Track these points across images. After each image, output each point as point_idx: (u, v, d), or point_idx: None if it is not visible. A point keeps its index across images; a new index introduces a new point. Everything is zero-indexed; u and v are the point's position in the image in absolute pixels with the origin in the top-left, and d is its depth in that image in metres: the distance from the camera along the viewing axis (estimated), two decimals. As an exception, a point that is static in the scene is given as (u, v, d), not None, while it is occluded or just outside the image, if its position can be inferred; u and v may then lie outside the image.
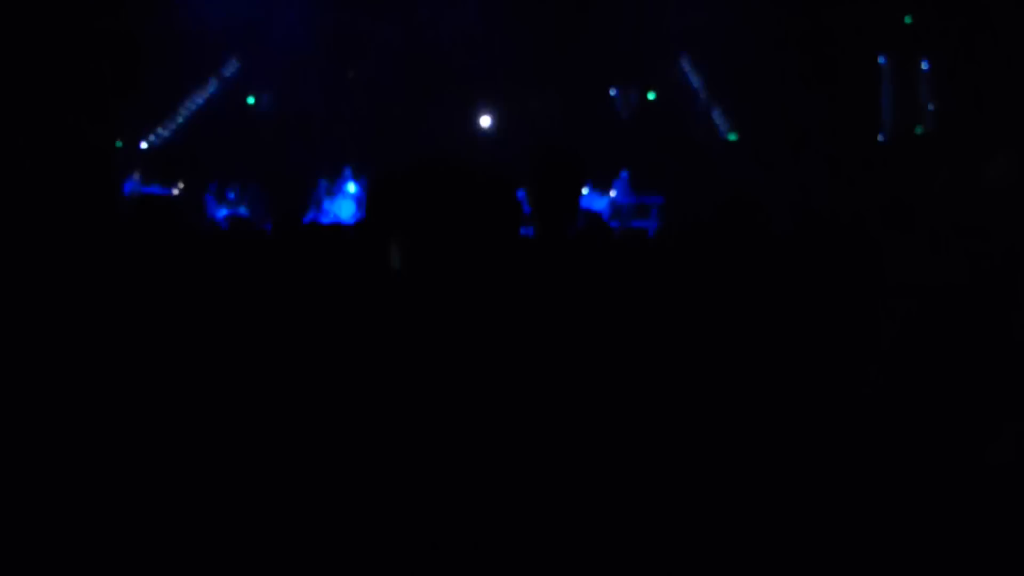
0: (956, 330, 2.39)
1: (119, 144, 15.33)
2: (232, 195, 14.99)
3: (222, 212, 14.28)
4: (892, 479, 2.19)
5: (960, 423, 2.16)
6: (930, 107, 14.22)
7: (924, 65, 14.16)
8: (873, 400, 2.33)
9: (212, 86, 17.47)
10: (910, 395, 2.32)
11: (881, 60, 14.69)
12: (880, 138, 14.66)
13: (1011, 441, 2.04)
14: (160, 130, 16.87)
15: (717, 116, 16.36)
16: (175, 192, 15.06)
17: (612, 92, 17.07)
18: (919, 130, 14.23)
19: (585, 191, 14.76)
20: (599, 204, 14.66)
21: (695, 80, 16.47)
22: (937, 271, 2.60)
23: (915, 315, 2.51)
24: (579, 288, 2.61)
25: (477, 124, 16.42)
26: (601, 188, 14.90)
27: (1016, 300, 2.35)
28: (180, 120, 17.13)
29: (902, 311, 2.57)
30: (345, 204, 14.77)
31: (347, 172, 14.54)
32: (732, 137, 16.17)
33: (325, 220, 13.35)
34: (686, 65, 16.54)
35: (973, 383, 2.21)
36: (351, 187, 14.93)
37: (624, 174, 14.88)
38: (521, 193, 2.80)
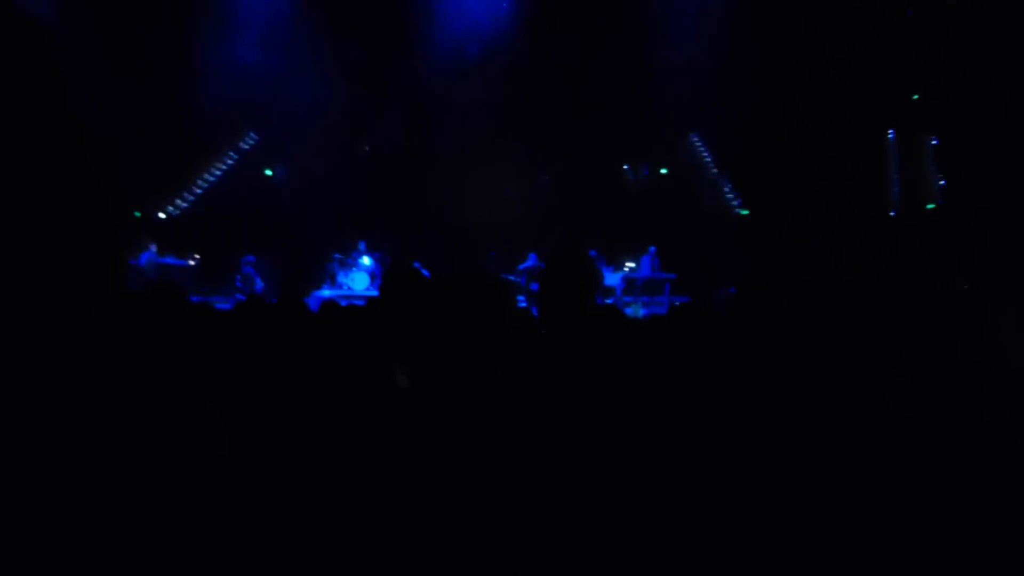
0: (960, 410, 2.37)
1: (137, 214, 15.58)
2: (248, 268, 15.06)
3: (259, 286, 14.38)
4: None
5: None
6: (941, 182, 14.30)
7: (932, 141, 14.29)
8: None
9: (230, 158, 17.78)
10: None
11: (890, 136, 14.82)
12: (892, 213, 14.71)
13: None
14: (178, 201, 17.11)
15: (729, 191, 16.49)
16: (191, 263, 15.18)
17: (624, 167, 17.26)
18: (930, 206, 14.27)
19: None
20: (611, 279, 14.68)
21: (706, 156, 16.66)
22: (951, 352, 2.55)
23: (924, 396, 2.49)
24: (585, 378, 2.57)
25: (490, 198, 16.56)
26: (613, 264, 14.94)
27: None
28: (198, 192, 17.38)
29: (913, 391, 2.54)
30: (359, 277, 14.86)
31: (362, 246, 14.64)
32: (744, 212, 16.27)
33: (339, 293, 13.39)
34: (697, 141, 16.75)
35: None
36: (366, 260, 15.02)
37: (652, 249, 14.87)
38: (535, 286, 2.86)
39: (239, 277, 14.46)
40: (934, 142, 14.27)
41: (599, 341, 3.44)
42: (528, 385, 2.34)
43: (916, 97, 14.26)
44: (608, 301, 13.83)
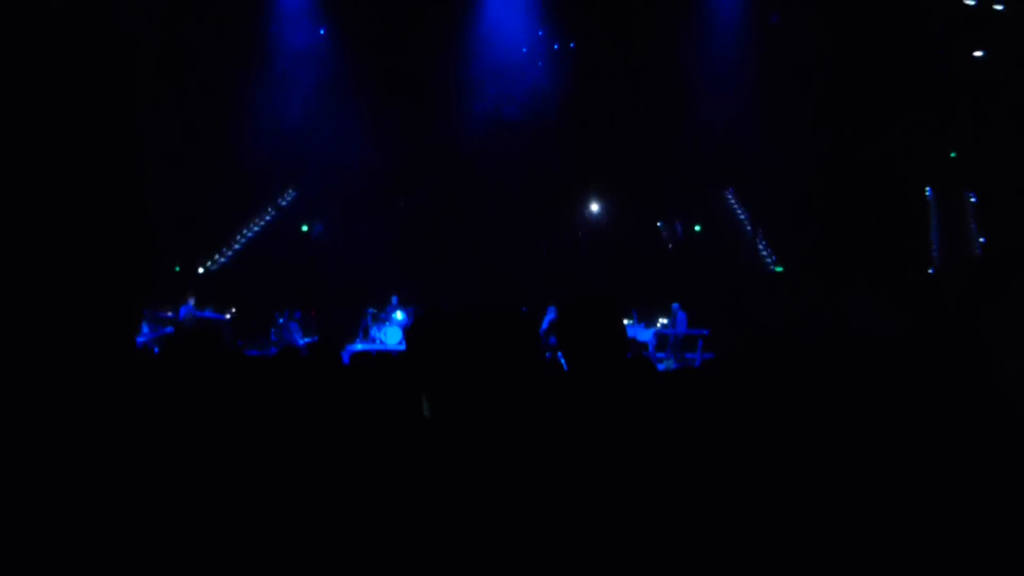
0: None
1: (177, 269, 15.85)
2: (282, 319, 15.24)
3: (300, 339, 14.56)
4: None
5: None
6: (981, 239, 14.14)
7: (972, 198, 14.17)
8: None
9: (269, 214, 18.10)
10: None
11: (928, 193, 14.72)
12: (931, 271, 14.53)
13: None
14: (217, 256, 17.39)
15: (763, 248, 16.41)
16: (227, 317, 15.37)
17: (658, 224, 17.28)
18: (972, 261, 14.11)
19: (630, 321, 14.75)
20: (644, 335, 14.60)
21: (740, 213, 16.63)
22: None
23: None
24: (612, 426, 2.60)
25: (523, 253, 16.63)
26: (646, 320, 14.87)
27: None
28: (236, 247, 17.68)
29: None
30: (391, 331, 14.92)
31: (394, 300, 14.74)
32: (779, 269, 16.16)
33: (372, 347, 13.45)
34: (731, 198, 16.75)
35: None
36: (398, 315, 15.10)
37: (675, 306, 14.79)
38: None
39: (273, 330, 14.62)
40: (973, 199, 14.15)
41: (629, 389, 3.42)
42: (551, 428, 2.28)
43: (953, 155, 14.19)
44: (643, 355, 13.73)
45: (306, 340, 14.46)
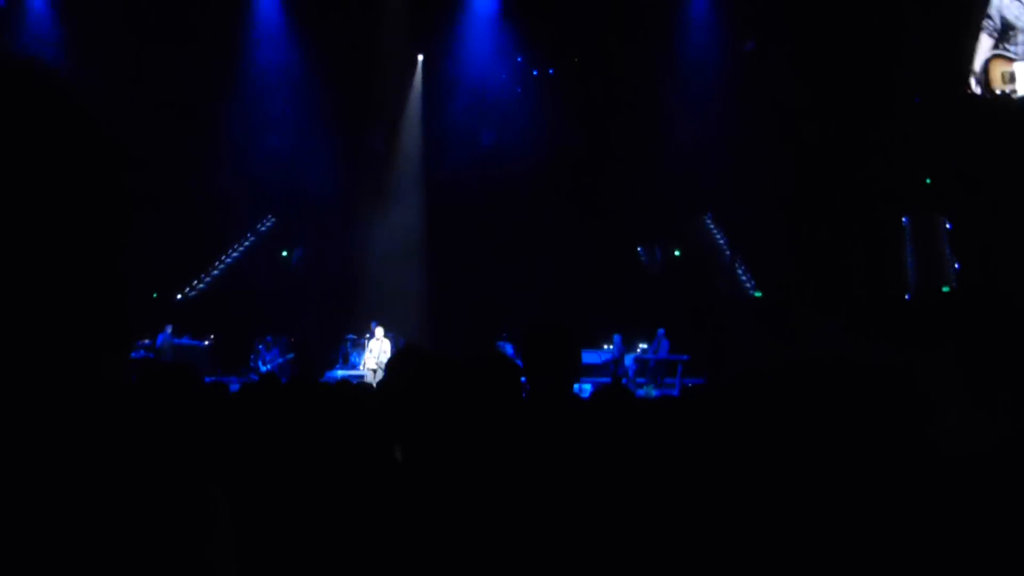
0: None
1: (155, 295, 15.72)
2: (261, 347, 15.12)
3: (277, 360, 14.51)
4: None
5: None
6: (956, 266, 14.28)
7: (947, 225, 14.32)
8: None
9: (248, 240, 18.02)
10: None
11: (904, 221, 14.86)
12: (907, 297, 14.65)
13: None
14: (195, 282, 17.28)
15: (742, 273, 16.51)
16: (206, 344, 15.25)
17: (638, 249, 17.34)
18: (945, 289, 14.22)
19: (609, 347, 14.77)
20: (625, 361, 14.64)
21: (719, 237, 16.73)
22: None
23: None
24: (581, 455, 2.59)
25: (502, 280, 16.62)
26: (626, 346, 14.90)
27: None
28: (215, 273, 17.57)
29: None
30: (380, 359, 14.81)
31: (374, 326, 14.66)
32: (757, 294, 16.25)
33: (351, 374, 13.37)
34: (710, 223, 16.86)
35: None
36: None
37: (660, 332, 14.82)
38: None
39: (253, 356, 14.54)
40: (948, 226, 14.30)
41: (600, 421, 3.41)
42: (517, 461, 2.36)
43: (929, 181, 14.35)
44: (623, 382, 13.75)
45: (272, 364, 14.37)
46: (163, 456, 0.88)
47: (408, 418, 1.99)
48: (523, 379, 2.89)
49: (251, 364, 14.55)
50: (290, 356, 14.88)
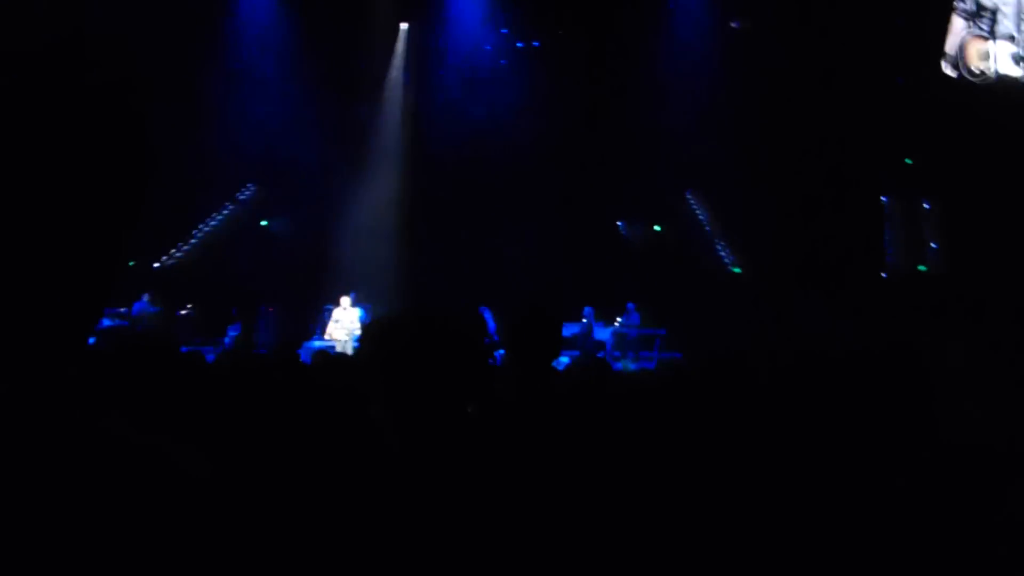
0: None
1: (131, 264, 15.55)
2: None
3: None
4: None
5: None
6: (933, 245, 14.39)
7: (925, 205, 14.42)
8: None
9: (227, 208, 17.83)
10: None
11: (883, 200, 14.95)
12: (883, 275, 14.77)
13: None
14: (173, 251, 17.10)
15: (722, 250, 16.55)
16: (183, 313, 15.13)
17: (619, 224, 17.33)
18: (922, 268, 14.35)
19: (583, 321, 14.79)
20: (602, 335, 14.66)
21: (701, 214, 16.76)
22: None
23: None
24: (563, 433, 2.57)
25: (485, 253, 16.58)
26: (604, 319, 14.93)
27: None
28: (194, 242, 17.40)
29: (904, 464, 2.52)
30: (351, 329, 14.77)
31: (352, 296, 14.59)
32: (737, 271, 16.31)
33: (329, 344, 13.33)
34: (691, 199, 16.87)
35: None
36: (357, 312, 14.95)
37: (630, 305, 14.91)
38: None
39: (231, 328, 14.46)
40: (926, 206, 14.41)
41: (577, 400, 3.41)
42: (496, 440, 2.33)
43: (909, 162, 14.42)
44: (599, 355, 13.79)
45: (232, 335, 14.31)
46: (134, 430, 0.84)
47: (384, 379, 1.94)
48: (498, 352, 2.87)
49: (228, 335, 14.49)
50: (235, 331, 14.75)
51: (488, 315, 14.26)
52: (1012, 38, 12.82)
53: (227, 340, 14.28)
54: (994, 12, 12.91)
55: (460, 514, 1.74)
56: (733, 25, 15.62)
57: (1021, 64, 12.77)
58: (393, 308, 15.04)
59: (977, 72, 12.83)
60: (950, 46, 13.15)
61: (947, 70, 13.13)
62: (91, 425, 0.81)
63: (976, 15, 12.92)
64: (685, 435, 2.98)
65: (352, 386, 3.47)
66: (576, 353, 12.40)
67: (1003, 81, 12.88)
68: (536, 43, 17.42)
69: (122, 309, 13.98)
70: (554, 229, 16.46)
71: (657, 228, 17.03)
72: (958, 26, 13.13)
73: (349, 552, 1.69)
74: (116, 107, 0.89)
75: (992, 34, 12.92)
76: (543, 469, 2.14)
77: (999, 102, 12.69)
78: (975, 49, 12.91)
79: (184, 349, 12.72)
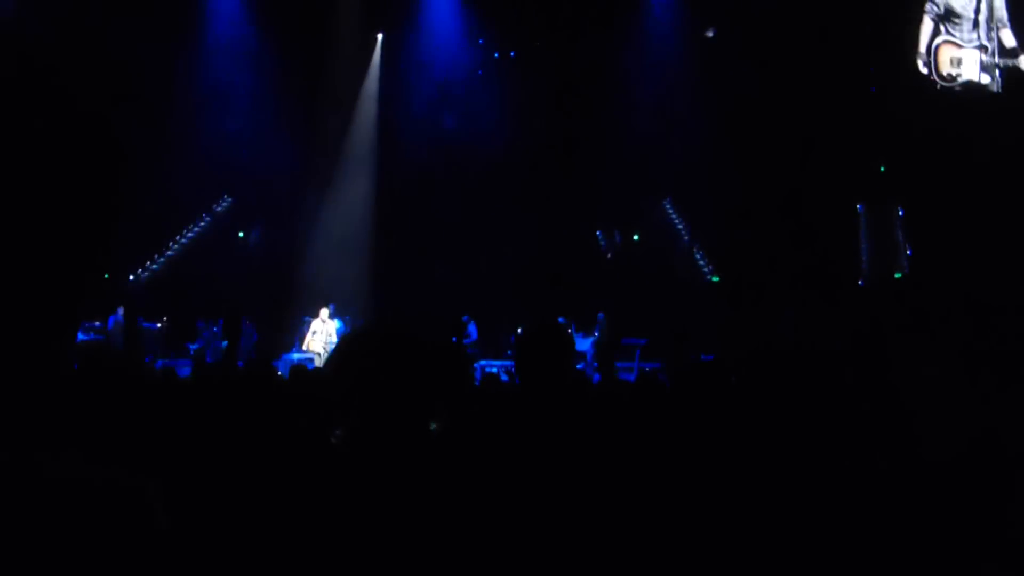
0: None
1: (106, 276, 15.38)
2: (216, 329, 14.91)
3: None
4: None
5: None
6: (908, 251, 14.46)
7: (899, 211, 14.49)
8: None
9: (203, 221, 17.70)
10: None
11: (859, 208, 15.02)
12: (860, 283, 14.83)
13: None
14: (149, 264, 16.95)
15: (700, 258, 16.59)
16: (159, 327, 14.98)
17: (597, 233, 17.33)
18: (898, 275, 14.42)
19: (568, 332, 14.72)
20: (583, 345, 14.61)
21: (679, 223, 16.78)
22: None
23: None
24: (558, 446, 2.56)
25: (461, 263, 16.53)
26: (584, 330, 14.89)
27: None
28: (169, 254, 17.25)
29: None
30: (328, 341, 14.68)
31: (331, 307, 14.52)
32: (715, 279, 16.35)
33: (307, 356, 13.23)
34: (670, 208, 16.90)
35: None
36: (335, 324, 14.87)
37: (601, 316, 14.81)
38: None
39: (200, 341, 14.36)
40: (901, 212, 14.48)
41: (575, 407, 3.41)
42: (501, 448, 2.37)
43: (883, 169, 14.50)
44: (579, 366, 13.75)
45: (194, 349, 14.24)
46: (97, 449, 0.89)
47: (352, 401, 1.91)
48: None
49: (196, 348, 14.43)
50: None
51: (472, 325, 14.30)
52: (983, 48, 12.96)
53: (192, 351, 14.24)
54: (964, 19, 13.05)
55: (422, 530, 1.71)
56: (708, 35, 15.69)
57: (990, 72, 12.91)
58: (368, 320, 15.04)
59: (947, 76, 12.96)
60: (923, 46, 13.28)
61: (921, 68, 13.25)
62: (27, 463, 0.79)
63: (946, 19, 13.06)
64: (667, 445, 3.00)
65: (319, 406, 3.40)
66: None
67: (971, 88, 13.02)
68: (512, 53, 17.43)
69: (97, 323, 13.82)
70: (530, 239, 16.44)
71: (636, 237, 17.05)
72: (929, 28, 13.27)
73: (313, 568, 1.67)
74: (84, 118, 0.90)
75: (962, 41, 13.05)
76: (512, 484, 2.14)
77: (969, 108, 12.82)
78: (945, 55, 13.04)
79: (159, 364, 12.58)
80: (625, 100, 16.03)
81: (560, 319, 14.50)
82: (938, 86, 13.01)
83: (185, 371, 8.21)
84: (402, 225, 16.81)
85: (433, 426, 1.98)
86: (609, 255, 17.02)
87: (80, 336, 12.18)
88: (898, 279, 14.42)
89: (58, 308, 0.83)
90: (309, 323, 14.55)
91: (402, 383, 1.89)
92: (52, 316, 0.83)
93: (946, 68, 12.92)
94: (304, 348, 13.89)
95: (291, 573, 1.68)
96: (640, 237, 17.05)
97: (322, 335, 13.66)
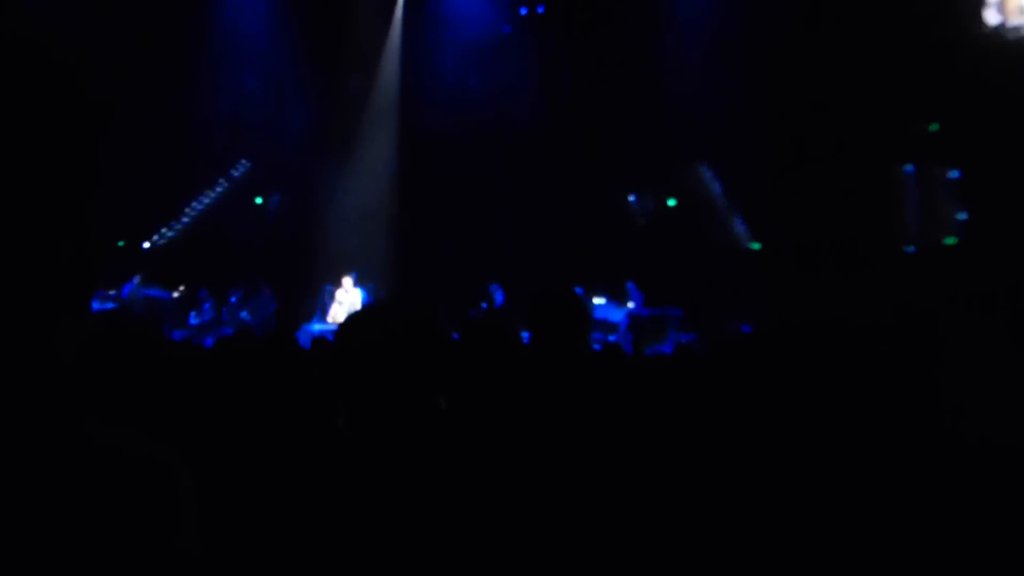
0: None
1: (121, 244, 14.97)
2: (235, 299, 14.53)
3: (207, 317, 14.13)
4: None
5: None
6: (961, 216, 13.77)
7: (954, 174, 13.78)
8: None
9: (220, 186, 17.22)
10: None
11: (908, 169, 14.31)
12: (909, 249, 14.17)
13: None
14: (165, 230, 16.53)
15: (739, 225, 15.88)
16: (175, 295, 14.56)
17: (631, 198, 16.66)
18: (950, 241, 13.74)
19: (602, 301, 14.19)
20: (616, 315, 14.05)
21: (716, 188, 16.06)
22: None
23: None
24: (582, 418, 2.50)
25: (489, 230, 15.98)
26: (619, 299, 14.31)
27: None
28: (186, 220, 16.83)
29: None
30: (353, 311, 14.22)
31: (354, 276, 14.05)
32: (755, 246, 15.67)
33: (329, 327, 12.80)
34: (706, 173, 16.18)
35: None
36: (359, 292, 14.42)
37: (631, 285, 14.22)
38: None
39: (225, 309, 14.00)
40: (954, 175, 13.77)
41: (596, 382, 3.15)
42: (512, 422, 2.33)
43: (934, 128, 13.78)
44: (611, 338, 13.24)
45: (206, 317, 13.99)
46: (119, 426, 0.84)
47: (357, 383, 1.84)
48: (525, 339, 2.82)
49: (224, 319, 14.07)
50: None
51: (499, 292, 13.81)
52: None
53: (192, 321, 13.91)
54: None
55: (432, 512, 1.69)
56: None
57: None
58: (391, 291, 14.58)
59: (1013, 27, 12.19)
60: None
61: (989, 18, 12.43)
62: (70, 429, 0.81)
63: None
64: (701, 421, 2.92)
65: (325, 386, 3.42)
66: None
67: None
68: (540, 8, 16.75)
69: (111, 292, 13.49)
70: (560, 203, 15.85)
71: (671, 203, 16.36)
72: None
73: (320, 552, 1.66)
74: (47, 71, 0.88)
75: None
76: (531, 462, 2.07)
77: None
78: (1015, 2, 12.26)
79: (177, 334, 12.23)
80: (658, 58, 15.34)
81: (578, 289, 13.92)
82: (1009, 36, 12.23)
83: (209, 342, 7.92)
84: (426, 190, 16.25)
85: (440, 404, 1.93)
86: (643, 221, 16.35)
87: (95, 305, 11.77)
88: (949, 245, 13.75)
89: (41, 281, 0.82)
90: (330, 292, 14.09)
91: (406, 362, 1.83)
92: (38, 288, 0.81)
93: (1014, 17, 12.15)
94: (330, 320, 13.50)
95: (301, 556, 1.65)
96: (676, 202, 16.37)
97: (347, 305, 13.27)
